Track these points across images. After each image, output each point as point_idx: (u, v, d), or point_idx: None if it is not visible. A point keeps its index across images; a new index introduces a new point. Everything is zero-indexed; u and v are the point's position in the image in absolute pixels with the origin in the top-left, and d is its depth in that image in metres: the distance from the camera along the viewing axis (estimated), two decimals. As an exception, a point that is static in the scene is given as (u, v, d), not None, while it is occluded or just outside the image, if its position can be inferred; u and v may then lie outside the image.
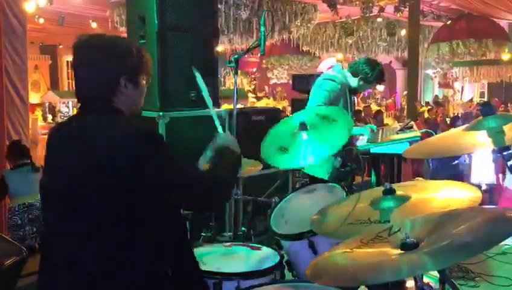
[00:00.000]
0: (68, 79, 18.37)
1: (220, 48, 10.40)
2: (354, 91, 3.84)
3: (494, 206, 1.31)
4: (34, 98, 13.78)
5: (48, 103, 14.38)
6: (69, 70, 18.39)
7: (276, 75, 17.07)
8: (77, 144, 1.65)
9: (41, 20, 11.16)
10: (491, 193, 6.91)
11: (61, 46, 17.22)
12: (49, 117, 14.06)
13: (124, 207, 1.58)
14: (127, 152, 1.57)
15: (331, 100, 3.55)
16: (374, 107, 14.61)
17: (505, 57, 12.95)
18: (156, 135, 1.71)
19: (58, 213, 1.66)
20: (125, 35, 3.98)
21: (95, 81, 1.68)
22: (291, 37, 11.09)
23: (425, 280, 1.51)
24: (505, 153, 1.45)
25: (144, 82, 1.79)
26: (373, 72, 3.66)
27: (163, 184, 1.63)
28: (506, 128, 1.48)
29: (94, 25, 12.20)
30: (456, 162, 6.70)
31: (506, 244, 2.66)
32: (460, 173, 6.63)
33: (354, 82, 3.73)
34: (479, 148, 1.51)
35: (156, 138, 1.68)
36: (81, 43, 1.70)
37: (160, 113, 3.51)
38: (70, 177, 1.63)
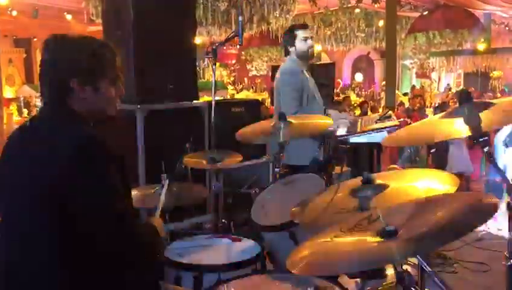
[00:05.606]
0: (44, 73, 18.01)
1: (198, 40, 10.31)
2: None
3: (470, 192, 1.33)
4: (8, 92, 13.50)
5: (23, 97, 14.08)
6: (45, 64, 18.05)
7: (255, 67, 17.01)
8: (20, 149, 1.62)
9: (15, 13, 10.91)
10: (468, 180, 7.05)
11: (35, 39, 16.82)
12: (25, 112, 13.78)
13: (52, 228, 1.49)
14: (57, 166, 1.46)
15: None
16: (354, 98, 14.68)
17: (480, 47, 13.14)
18: (91, 146, 1.50)
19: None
20: (101, 27, 3.91)
21: (48, 81, 1.64)
22: (270, 28, 11.05)
23: (405, 267, 1.53)
24: (481, 140, 1.47)
25: (109, 86, 1.65)
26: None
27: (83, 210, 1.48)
28: (482, 115, 1.49)
29: (69, 17, 11.98)
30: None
31: (483, 231, 2.71)
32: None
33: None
34: (455, 136, 1.52)
35: (91, 149, 1.49)
36: (46, 42, 1.66)
37: (138, 106, 3.47)
38: (10, 187, 1.60)
